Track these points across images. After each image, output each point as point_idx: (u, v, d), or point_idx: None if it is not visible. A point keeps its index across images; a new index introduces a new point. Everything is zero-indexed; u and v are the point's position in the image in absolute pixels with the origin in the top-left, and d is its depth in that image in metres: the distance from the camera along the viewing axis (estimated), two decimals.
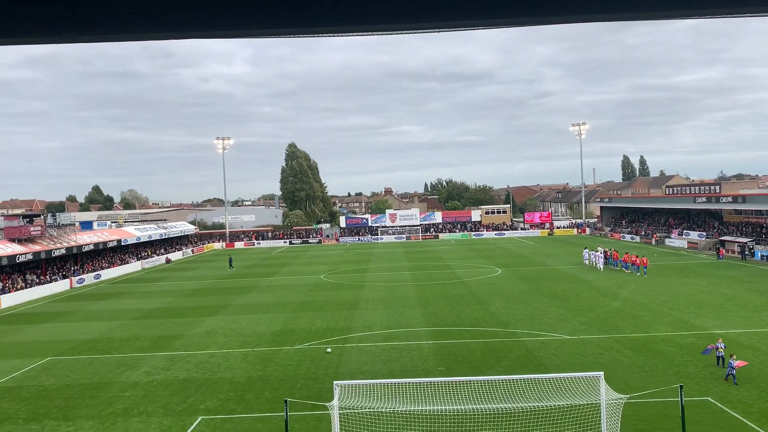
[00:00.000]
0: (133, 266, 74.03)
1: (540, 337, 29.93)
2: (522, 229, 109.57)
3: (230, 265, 69.85)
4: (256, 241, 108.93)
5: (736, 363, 21.37)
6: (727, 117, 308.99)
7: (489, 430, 17.36)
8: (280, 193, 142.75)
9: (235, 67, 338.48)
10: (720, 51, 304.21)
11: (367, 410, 16.75)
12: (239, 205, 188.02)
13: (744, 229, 66.13)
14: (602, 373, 16.26)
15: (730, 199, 69.41)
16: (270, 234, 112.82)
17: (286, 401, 15.44)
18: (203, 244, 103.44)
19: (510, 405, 16.83)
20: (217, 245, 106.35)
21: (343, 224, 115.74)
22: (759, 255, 57.50)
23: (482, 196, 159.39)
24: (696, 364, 24.29)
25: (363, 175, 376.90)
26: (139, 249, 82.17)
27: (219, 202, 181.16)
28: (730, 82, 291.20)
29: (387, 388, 17.14)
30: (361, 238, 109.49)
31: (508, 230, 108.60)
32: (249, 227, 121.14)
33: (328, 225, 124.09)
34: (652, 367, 24.28)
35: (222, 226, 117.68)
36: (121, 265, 71.58)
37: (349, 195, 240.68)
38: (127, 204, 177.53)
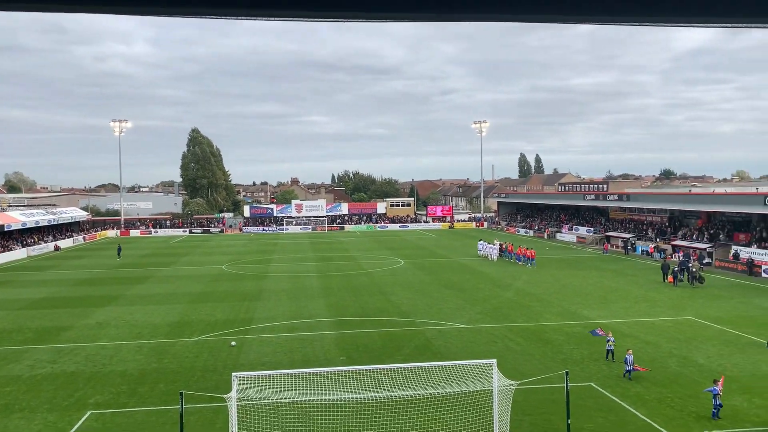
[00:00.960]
0: (18, 253, 69.22)
1: (438, 327, 30.84)
2: (425, 221, 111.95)
3: (118, 254, 66.35)
4: (153, 230, 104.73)
5: (635, 366, 21.94)
6: (616, 120, 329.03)
7: (388, 417, 17.76)
8: (181, 179, 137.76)
9: (135, 47, 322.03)
10: (613, 57, 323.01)
11: (267, 401, 16.68)
12: (136, 191, 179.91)
13: (627, 225, 70.92)
14: (495, 360, 17.02)
15: (615, 197, 74.21)
16: (169, 222, 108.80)
17: (181, 393, 15.08)
18: (96, 232, 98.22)
19: (408, 392, 17.29)
20: (111, 233, 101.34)
21: (247, 214, 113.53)
22: (640, 250, 61.89)
23: (388, 188, 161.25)
24: (581, 352, 25.91)
25: (269, 165, 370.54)
26: (25, 235, 76.82)
27: (114, 188, 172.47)
28: (619, 87, 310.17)
29: (288, 378, 17.12)
30: (266, 228, 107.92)
31: (411, 223, 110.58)
32: (146, 215, 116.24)
33: (231, 214, 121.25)
34: (541, 354, 25.67)
35: (117, 213, 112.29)
36: (3, 252, 66.72)
37: (255, 184, 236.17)
38: (12, 187, 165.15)
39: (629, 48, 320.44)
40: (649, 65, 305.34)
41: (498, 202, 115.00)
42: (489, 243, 61.93)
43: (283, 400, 17.02)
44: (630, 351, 22.46)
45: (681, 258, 47.98)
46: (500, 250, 60.52)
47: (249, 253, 70.63)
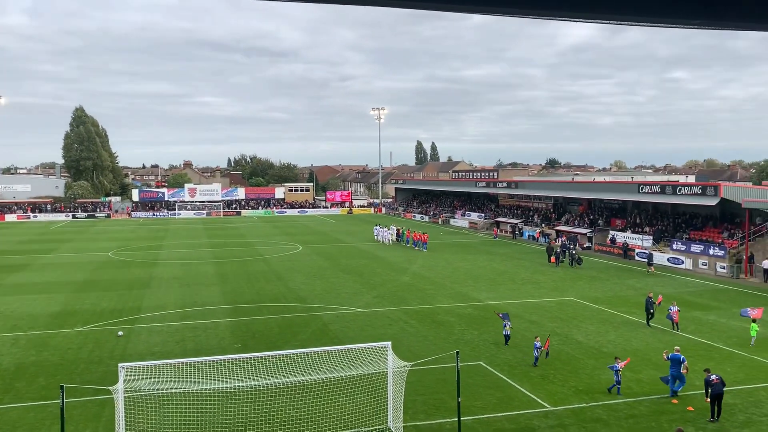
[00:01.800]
0: None
1: (336, 311, 31.02)
2: (324, 207, 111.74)
3: None
4: (32, 214, 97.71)
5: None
6: (507, 111, 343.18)
7: (283, 403, 17.71)
8: (63, 161, 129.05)
9: (9, 17, 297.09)
10: (502, 50, 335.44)
11: (157, 392, 16.14)
12: (12, 173, 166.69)
13: (515, 211, 74.28)
14: (390, 343, 17.38)
15: (505, 184, 77.45)
16: (49, 206, 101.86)
17: (62, 387, 14.26)
18: None
19: (304, 378, 17.31)
20: None
21: (136, 198, 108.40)
22: (527, 235, 65.08)
23: (287, 173, 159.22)
24: (472, 332, 26.97)
25: (160, 147, 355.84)
26: None
27: None
28: (509, 80, 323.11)
29: (179, 368, 16.63)
30: (157, 213, 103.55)
31: (310, 208, 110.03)
32: (24, 198, 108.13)
33: (118, 198, 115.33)
34: (434, 336, 26.48)
35: None
36: None
37: (144, 167, 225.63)
38: None
39: (518, 42, 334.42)
40: (536, 59, 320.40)
41: (396, 188, 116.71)
42: (385, 228, 63.06)
43: (174, 391, 16.53)
44: (537, 338, 22.76)
45: (564, 241, 51.01)
46: (397, 235, 61.72)
47: (138, 239, 67.57)
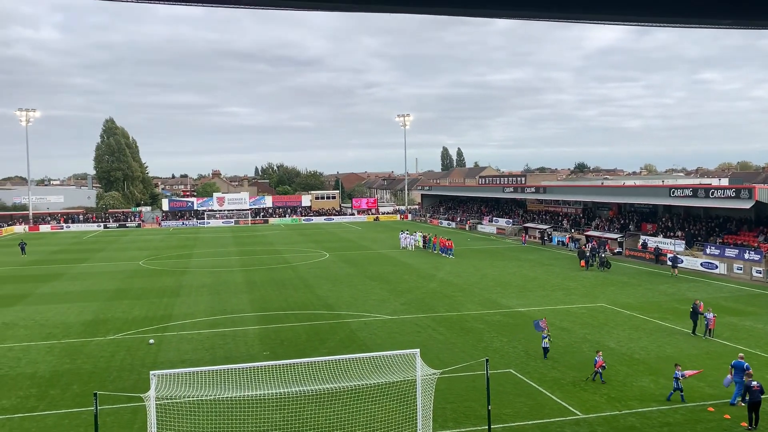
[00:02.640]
0: None
1: (363, 318, 30.99)
2: (350, 214, 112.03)
3: (22, 251, 62.64)
4: (65, 225, 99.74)
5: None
6: (533, 115, 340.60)
7: (312, 410, 17.72)
8: (94, 172, 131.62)
9: (42, 32, 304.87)
10: (528, 54, 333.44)
11: (188, 399, 16.26)
12: (46, 185, 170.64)
13: (544, 216, 73.53)
14: (418, 350, 17.27)
15: (533, 189, 76.71)
16: (82, 217, 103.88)
17: (95, 394, 14.46)
18: (0, 227, 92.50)
19: (332, 385, 17.29)
20: (19, 228, 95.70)
21: (166, 207, 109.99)
22: (556, 240, 64.34)
23: (313, 181, 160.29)
24: (501, 339, 26.70)
25: (189, 157, 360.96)
26: None
27: (22, 181, 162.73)
28: (535, 84, 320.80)
29: (209, 375, 16.75)
30: (186, 222, 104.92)
31: (337, 215, 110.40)
32: (57, 209, 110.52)
33: (149, 208, 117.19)
34: (463, 343, 26.27)
35: (24, 207, 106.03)
36: None
37: (174, 177, 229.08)
38: None
39: (543, 46, 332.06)
40: (562, 62, 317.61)
41: (422, 194, 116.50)
42: (410, 234, 63.18)
43: (205, 398, 16.65)
44: (600, 352, 21.86)
45: (593, 245, 50.33)
46: (424, 241, 61.64)
47: (168, 248, 68.48)
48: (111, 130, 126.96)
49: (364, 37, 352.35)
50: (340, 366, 17.65)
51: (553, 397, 19.68)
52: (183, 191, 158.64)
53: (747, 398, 17.32)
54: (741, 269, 42.84)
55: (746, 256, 42.99)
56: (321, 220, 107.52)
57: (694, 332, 26.99)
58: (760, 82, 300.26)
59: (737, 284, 40.17)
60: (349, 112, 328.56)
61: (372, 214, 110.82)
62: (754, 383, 17.35)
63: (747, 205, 44.43)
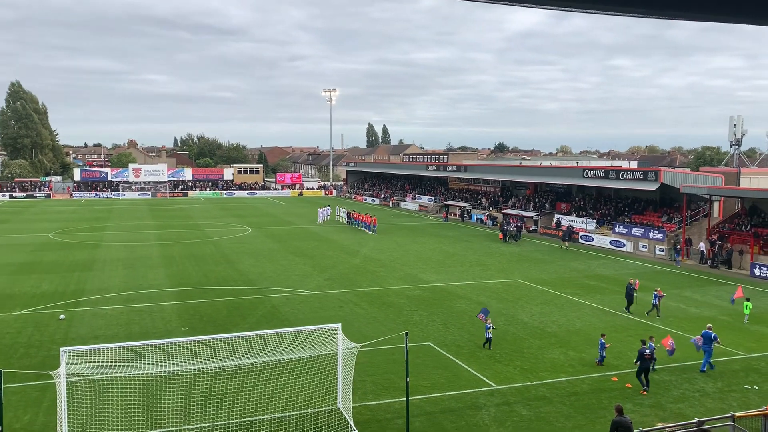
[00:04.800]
0: None
1: (286, 294, 30.90)
2: (274, 189, 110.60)
3: None
4: None
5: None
6: (456, 94, 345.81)
7: (231, 385, 17.62)
8: None
9: None
10: (451, 34, 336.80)
11: (102, 376, 15.80)
12: None
13: (464, 195, 75.22)
14: (340, 324, 17.45)
15: (454, 168, 78.24)
16: None
17: None
18: None
19: (253, 360, 17.22)
20: None
21: (77, 177, 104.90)
22: (475, 218, 66.05)
23: (236, 154, 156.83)
24: (420, 314, 27.32)
25: (104, 125, 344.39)
26: None
27: None
28: (458, 64, 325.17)
29: (124, 351, 16.30)
30: (100, 193, 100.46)
31: (260, 190, 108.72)
32: None
33: (59, 178, 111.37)
34: (384, 317, 26.72)
35: None
36: None
37: (87, 146, 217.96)
38: None
39: (466, 26, 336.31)
40: (484, 44, 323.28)
41: (347, 170, 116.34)
42: (328, 208, 66.03)
43: (119, 375, 16.22)
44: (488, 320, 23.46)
45: (504, 219, 52.53)
46: (348, 217, 61.88)
47: (80, 220, 65.49)
48: (17, 94, 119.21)
49: (290, 9, 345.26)
50: (261, 341, 17.59)
51: (469, 368, 20.40)
52: (99, 162, 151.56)
53: (639, 364, 18.70)
54: (646, 247, 45.51)
55: (651, 235, 45.68)
56: (244, 194, 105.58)
57: (627, 309, 28.06)
58: (667, 71, 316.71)
59: (642, 261, 42.67)
60: (273, 85, 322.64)
61: (296, 189, 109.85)
62: (647, 350, 18.67)
63: (653, 186, 47.09)
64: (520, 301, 30.15)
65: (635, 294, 28.11)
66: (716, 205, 46.88)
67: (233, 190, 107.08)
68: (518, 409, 17.30)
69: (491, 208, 66.20)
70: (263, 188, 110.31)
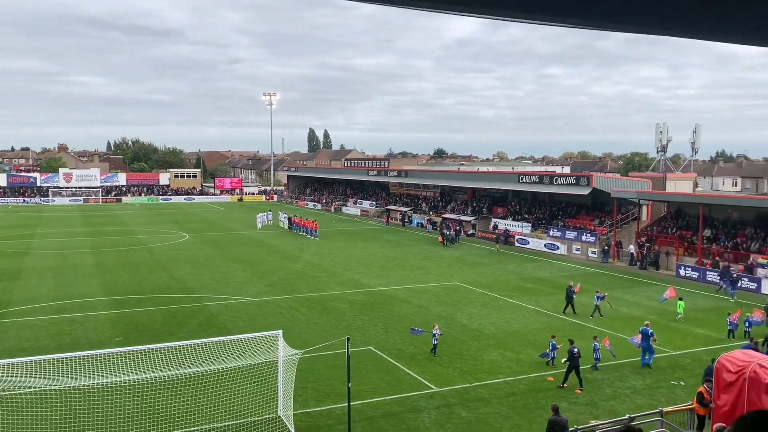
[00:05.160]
0: None
1: (224, 301, 30.40)
2: (213, 194, 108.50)
3: None
4: None
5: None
6: (396, 101, 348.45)
7: (168, 396, 17.21)
8: None
9: None
10: (391, 41, 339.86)
11: (31, 390, 15.16)
12: None
13: (405, 199, 75.88)
14: (281, 331, 17.34)
15: (395, 173, 78.83)
16: None
17: None
18: None
19: (191, 370, 16.89)
20: None
21: (4, 183, 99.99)
22: (416, 222, 66.72)
23: (172, 158, 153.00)
24: (362, 318, 27.40)
25: (32, 128, 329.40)
26: None
27: None
28: (398, 70, 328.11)
29: (55, 364, 15.69)
30: (28, 199, 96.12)
31: (198, 195, 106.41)
32: None
33: None
34: (325, 322, 26.67)
35: None
36: None
37: (14, 150, 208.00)
38: None
39: (406, 33, 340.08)
40: (424, 51, 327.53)
41: (288, 175, 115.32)
42: (266, 213, 65.27)
43: (50, 388, 15.60)
44: (436, 325, 23.67)
45: (443, 223, 54.05)
46: (289, 222, 61.43)
47: (6, 227, 62.49)
48: None
49: (227, 11, 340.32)
50: (199, 350, 17.28)
51: (410, 372, 20.62)
52: (24, 165, 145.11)
53: (570, 362, 19.39)
54: (579, 250, 47.06)
55: (583, 238, 47.28)
56: (181, 199, 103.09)
57: (564, 311, 28.87)
58: (598, 80, 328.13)
59: (575, 263, 44.11)
60: (211, 88, 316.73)
61: (236, 194, 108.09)
62: (576, 350, 19.36)
63: (585, 191, 48.76)
64: (459, 303, 30.65)
65: (574, 296, 29.04)
66: (644, 208, 48.95)
67: (169, 195, 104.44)
68: (458, 410, 17.61)
69: (431, 213, 67.01)
70: (201, 193, 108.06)
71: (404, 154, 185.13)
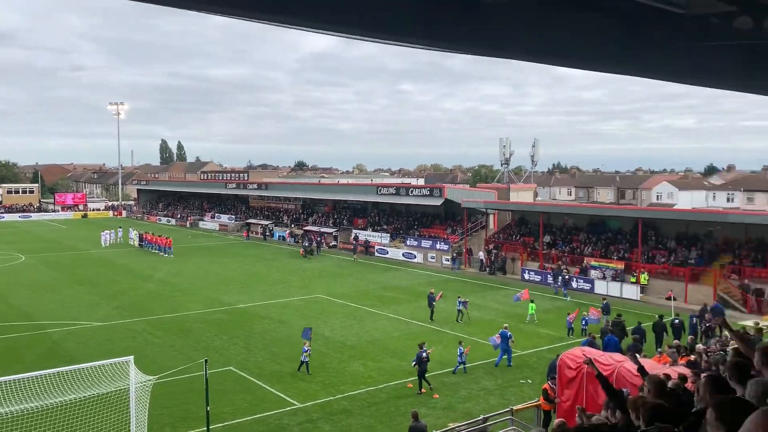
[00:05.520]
0: None
1: (69, 327, 28.22)
2: (53, 211, 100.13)
3: None
4: None
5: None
6: (254, 112, 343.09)
7: None
8: None
9: None
10: (247, 51, 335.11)
11: None
12: None
13: (266, 212, 74.90)
14: (132, 357, 16.44)
15: (255, 186, 77.62)
16: None
17: None
18: None
19: (31, 405, 15.52)
20: None
21: None
22: (277, 236, 66.07)
23: (5, 173, 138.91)
24: (221, 338, 26.66)
25: None
26: None
27: None
28: (255, 81, 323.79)
29: None
30: None
31: (36, 212, 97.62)
32: None
33: None
34: (182, 344, 25.63)
35: None
36: None
37: None
38: None
39: (262, 45, 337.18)
40: (280, 63, 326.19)
41: (138, 189, 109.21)
42: (109, 230, 61.75)
43: None
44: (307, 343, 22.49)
45: (305, 235, 54.00)
46: (140, 239, 58.28)
47: None
48: None
49: (68, 15, 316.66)
50: (42, 382, 15.93)
51: (272, 390, 20.40)
52: None
53: (418, 366, 20.22)
54: (434, 258, 49.14)
55: (438, 246, 49.47)
56: (15, 217, 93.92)
57: (431, 318, 29.82)
58: (447, 96, 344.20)
59: (431, 271, 45.98)
60: (50, 96, 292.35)
61: (80, 210, 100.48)
62: (425, 354, 20.27)
63: (438, 202, 51.12)
64: (321, 316, 30.80)
65: (435, 303, 30.23)
66: (491, 217, 52.20)
67: (2, 213, 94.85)
68: (321, 425, 17.70)
69: (293, 226, 66.69)
70: (40, 210, 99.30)
71: (264, 167, 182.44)
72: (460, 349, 22.11)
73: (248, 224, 72.38)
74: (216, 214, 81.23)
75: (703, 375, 8.24)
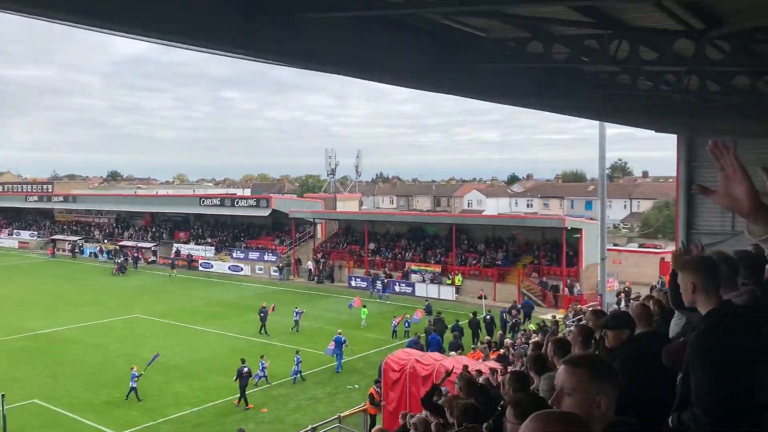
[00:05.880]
0: None
1: None
2: None
3: None
4: None
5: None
6: (60, 118, 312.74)
7: None
8: None
9: None
10: (50, 51, 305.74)
11: None
12: None
13: (74, 227, 68.76)
14: None
15: (62, 198, 70.92)
16: None
17: None
18: None
19: None
20: None
21: None
22: (88, 252, 60.90)
23: None
24: (24, 368, 23.99)
25: None
26: None
27: None
28: (60, 84, 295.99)
29: None
30: None
31: None
32: None
33: None
34: None
35: None
36: None
37: None
38: None
39: (68, 45, 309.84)
40: (90, 66, 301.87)
41: None
42: None
43: None
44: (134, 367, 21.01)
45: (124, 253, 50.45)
46: None
47: None
48: None
49: None
50: None
51: (85, 420, 18.79)
52: None
53: (240, 381, 19.95)
54: (262, 270, 48.44)
55: (266, 257, 48.87)
56: None
57: (260, 331, 29.22)
58: (272, 105, 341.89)
59: (260, 283, 45.24)
60: None
61: None
62: (246, 369, 20.05)
63: (266, 213, 50.54)
64: (141, 337, 28.94)
65: (267, 316, 29.73)
66: (319, 227, 52.68)
67: None
68: None
69: (106, 241, 61.86)
70: None
71: (72, 177, 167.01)
72: (261, 363, 21.88)
73: (54, 241, 65.88)
74: (15, 231, 73.06)
75: (509, 369, 9.10)
